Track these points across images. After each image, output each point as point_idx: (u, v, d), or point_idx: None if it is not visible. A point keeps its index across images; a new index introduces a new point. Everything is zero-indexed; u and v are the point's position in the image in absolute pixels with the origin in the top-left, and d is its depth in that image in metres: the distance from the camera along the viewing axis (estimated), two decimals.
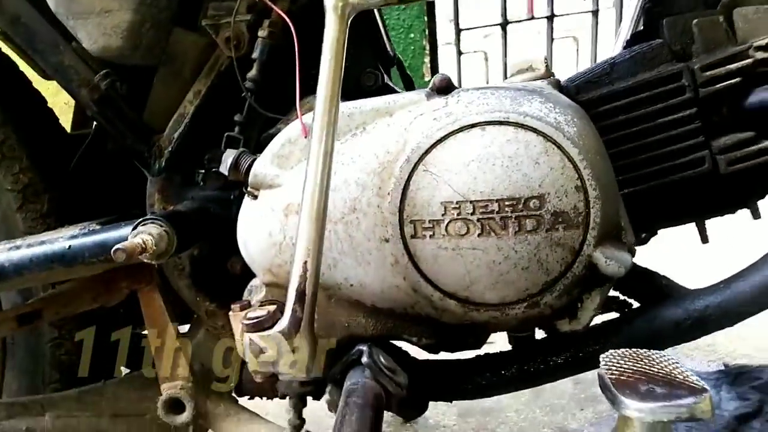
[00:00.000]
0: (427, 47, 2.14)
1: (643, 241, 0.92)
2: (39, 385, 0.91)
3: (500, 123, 0.57)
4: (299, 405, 0.73)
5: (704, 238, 0.82)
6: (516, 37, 2.58)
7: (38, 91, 0.93)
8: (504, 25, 2.34)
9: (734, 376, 1.40)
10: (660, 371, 0.49)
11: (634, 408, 0.45)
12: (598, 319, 0.74)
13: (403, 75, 0.94)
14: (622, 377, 0.48)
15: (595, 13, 2.38)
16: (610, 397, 0.47)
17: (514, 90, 0.60)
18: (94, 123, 0.90)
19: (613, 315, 0.78)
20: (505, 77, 2.44)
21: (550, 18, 2.31)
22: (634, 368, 0.49)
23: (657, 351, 0.52)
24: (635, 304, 0.78)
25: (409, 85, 0.95)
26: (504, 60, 2.41)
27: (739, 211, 0.79)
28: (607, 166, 0.61)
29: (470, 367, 0.73)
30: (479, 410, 1.35)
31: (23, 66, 0.90)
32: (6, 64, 0.88)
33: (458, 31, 2.33)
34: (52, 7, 0.69)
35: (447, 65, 2.41)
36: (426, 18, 2.11)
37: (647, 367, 0.49)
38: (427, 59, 2.14)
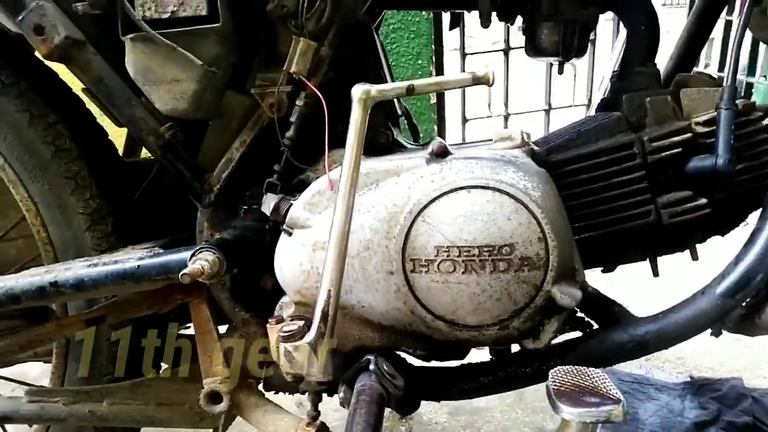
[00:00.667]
0: (434, 73, 2.30)
1: (610, 270, 1.09)
2: (96, 376, 1.08)
3: (482, 187, 0.74)
4: (316, 399, 0.90)
5: (655, 273, 0.98)
6: (517, 59, 2.74)
7: (103, 127, 1.10)
8: (506, 51, 2.49)
9: (697, 387, 1.55)
10: (591, 385, 0.65)
11: (567, 412, 0.61)
12: (562, 338, 0.91)
13: (410, 125, 1.11)
14: (562, 388, 0.65)
15: (593, 41, 2.54)
16: (552, 403, 0.63)
17: (494, 160, 0.77)
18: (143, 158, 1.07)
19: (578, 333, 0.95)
20: (506, 99, 2.61)
21: None
22: (573, 382, 0.66)
23: (594, 369, 0.68)
24: (595, 325, 0.95)
25: (415, 133, 1.11)
26: (505, 84, 2.57)
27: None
28: (564, 222, 0.78)
29: (455, 373, 0.90)
30: (468, 410, 1.52)
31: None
32: (82, 109, 1.04)
33: (463, 56, 2.49)
34: (131, 74, 0.86)
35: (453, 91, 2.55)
36: (434, 46, 2.27)
37: (583, 382, 0.66)
38: None
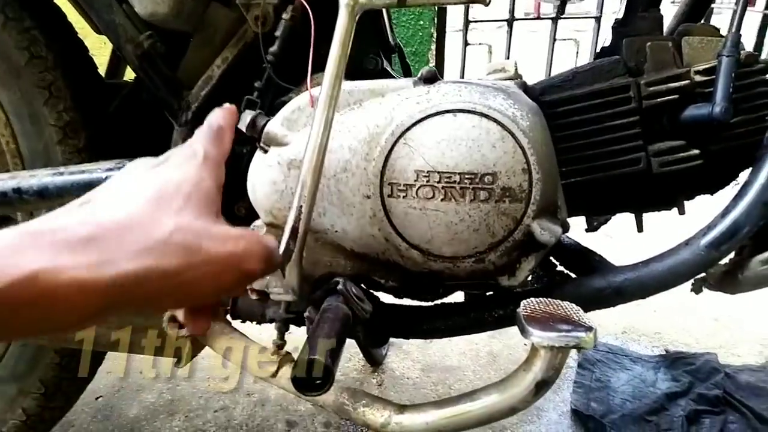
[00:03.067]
0: (435, 35, 2.25)
1: (594, 228, 1.07)
2: None
3: (468, 111, 0.71)
4: (283, 328, 0.88)
5: (640, 228, 0.96)
6: (521, 33, 2.69)
7: (83, 41, 1.05)
8: (510, 21, 2.44)
9: (671, 361, 1.56)
10: (563, 314, 0.63)
11: (536, 335, 0.59)
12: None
13: (403, 62, 1.07)
14: (532, 315, 0.63)
15: (598, 18, 2.49)
16: (521, 328, 0.62)
17: (485, 86, 0.74)
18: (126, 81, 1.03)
19: None
20: None
21: (555, 20, 2.41)
22: (545, 310, 0.64)
23: (568, 302, 0.67)
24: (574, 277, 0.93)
25: (407, 71, 1.08)
26: (507, 55, 2.52)
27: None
28: (551, 156, 0.75)
29: (426, 311, 0.88)
30: (440, 368, 1.51)
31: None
32: (60, 18, 1.00)
33: (467, 22, 2.44)
34: None
35: (453, 54, 2.51)
36: (436, 8, 2.21)
37: (555, 310, 0.64)
38: (433, 46, 2.25)
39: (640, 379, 1.50)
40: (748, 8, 0.83)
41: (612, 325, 1.76)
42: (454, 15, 2.65)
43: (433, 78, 0.76)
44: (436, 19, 2.25)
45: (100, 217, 0.35)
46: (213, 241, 0.37)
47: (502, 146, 0.71)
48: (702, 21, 1.07)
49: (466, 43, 2.53)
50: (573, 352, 1.63)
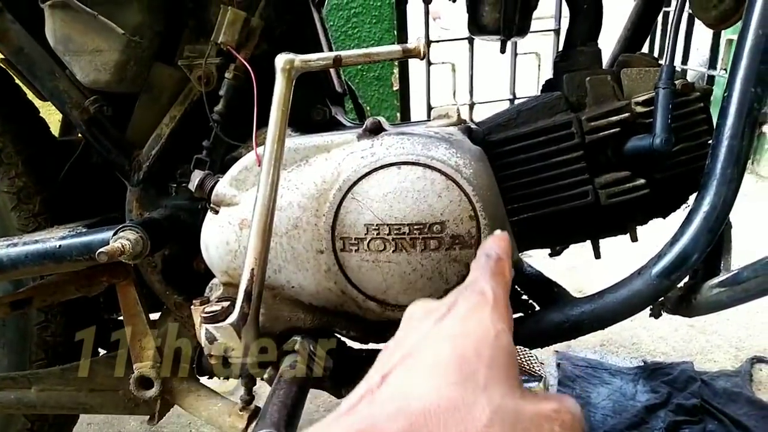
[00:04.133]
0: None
1: (557, 253, 1.08)
2: (26, 362, 1.04)
3: (412, 164, 0.72)
4: (250, 384, 0.87)
5: (597, 255, 0.97)
6: (484, 50, 2.72)
7: (32, 103, 1.05)
8: (471, 39, 2.47)
9: (650, 372, 1.57)
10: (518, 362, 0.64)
11: None
12: None
13: (356, 104, 1.08)
14: None
15: (557, 31, 2.54)
16: None
17: (427, 137, 0.74)
18: (81, 137, 1.03)
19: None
20: (471, 87, 2.59)
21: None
22: None
23: (520, 347, 0.68)
24: (537, 306, 0.94)
25: (360, 113, 1.09)
26: (470, 72, 2.56)
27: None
28: (497, 200, 0.76)
29: None
30: None
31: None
32: (6, 82, 0.99)
33: (428, 42, 2.46)
34: (51, 43, 0.81)
35: (417, 74, 2.54)
36: (396, 32, 2.24)
37: None
38: (396, 70, 2.27)
39: (620, 392, 1.51)
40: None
41: (590, 337, 1.77)
42: (416, 36, 2.68)
43: (377, 129, 0.77)
44: (396, 42, 2.27)
45: (407, 405, 0.30)
46: (531, 424, 0.31)
47: (447, 195, 0.72)
48: (649, 39, 1.10)
49: (429, 63, 2.55)
50: (554, 368, 1.65)
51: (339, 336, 0.86)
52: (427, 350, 0.34)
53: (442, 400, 0.30)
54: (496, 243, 0.43)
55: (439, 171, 0.72)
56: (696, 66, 3.20)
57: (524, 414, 0.31)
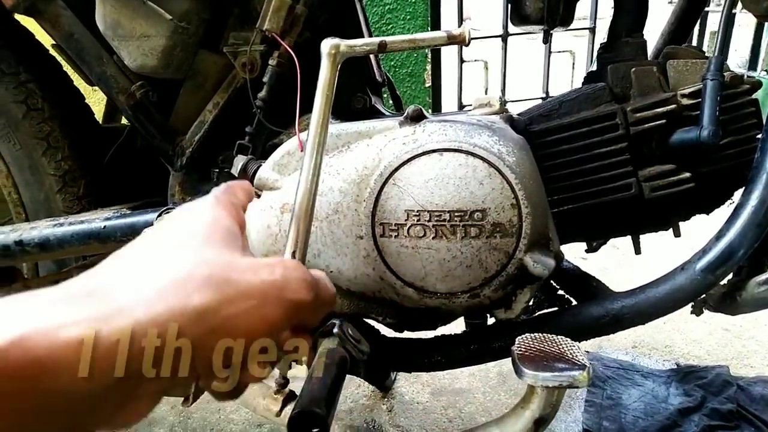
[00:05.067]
0: (429, 55, 2.27)
1: (594, 249, 1.07)
2: None
3: (454, 150, 0.72)
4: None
5: (637, 250, 0.96)
6: (517, 46, 2.70)
7: (79, 89, 1.08)
8: (504, 37, 2.46)
9: (683, 375, 1.53)
10: (558, 351, 0.63)
11: (529, 376, 0.59)
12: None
13: (393, 94, 1.08)
14: (527, 353, 0.63)
15: (592, 29, 2.50)
16: (516, 368, 0.62)
17: (469, 124, 0.74)
18: (126, 122, 1.05)
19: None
20: (504, 85, 2.58)
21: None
22: (539, 348, 0.64)
23: (563, 336, 0.67)
24: (574, 301, 0.93)
25: (398, 104, 1.09)
26: (503, 70, 2.54)
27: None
28: (539, 189, 0.75)
29: (426, 344, 0.88)
30: (450, 391, 1.50)
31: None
32: (55, 69, 1.02)
33: None
34: (101, 28, 0.84)
35: (449, 72, 2.53)
36: (430, 29, 2.23)
37: (549, 348, 0.64)
38: (429, 66, 2.27)
39: (652, 395, 1.48)
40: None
41: (622, 339, 1.74)
42: None
43: (419, 116, 0.77)
44: None
45: (106, 269, 0.31)
46: (244, 272, 0.33)
47: (489, 183, 0.71)
48: (696, 28, 1.08)
49: (461, 60, 2.54)
50: None
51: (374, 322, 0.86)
52: (148, 235, 0.36)
53: (146, 259, 0.33)
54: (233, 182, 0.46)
55: (482, 158, 0.71)
56: (735, 67, 3.13)
57: (238, 262, 0.34)
